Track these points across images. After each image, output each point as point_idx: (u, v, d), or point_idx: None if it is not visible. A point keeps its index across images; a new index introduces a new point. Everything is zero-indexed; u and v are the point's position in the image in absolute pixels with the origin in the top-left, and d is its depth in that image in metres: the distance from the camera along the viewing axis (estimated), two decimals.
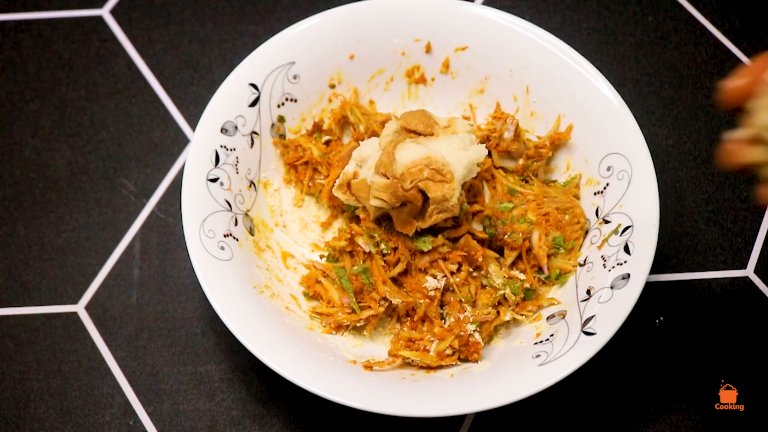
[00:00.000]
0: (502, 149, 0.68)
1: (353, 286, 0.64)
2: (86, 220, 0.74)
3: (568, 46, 0.68)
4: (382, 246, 0.64)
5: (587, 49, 0.78)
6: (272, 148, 0.70)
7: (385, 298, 0.63)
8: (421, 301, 0.63)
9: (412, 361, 0.62)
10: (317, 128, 0.71)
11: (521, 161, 0.68)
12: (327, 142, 0.71)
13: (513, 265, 0.66)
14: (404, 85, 0.72)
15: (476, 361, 0.62)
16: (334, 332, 0.65)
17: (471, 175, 0.63)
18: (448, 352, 0.62)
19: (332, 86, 0.71)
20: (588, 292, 0.62)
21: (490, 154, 0.68)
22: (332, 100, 0.71)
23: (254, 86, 0.68)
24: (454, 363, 0.62)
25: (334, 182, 0.66)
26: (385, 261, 0.64)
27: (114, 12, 0.83)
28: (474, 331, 0.62)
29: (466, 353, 0.62)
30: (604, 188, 0.66)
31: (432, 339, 0.62)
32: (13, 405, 0.67)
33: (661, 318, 0.69)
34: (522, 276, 0.65)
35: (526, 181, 0.68)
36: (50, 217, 0.74)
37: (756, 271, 0.70)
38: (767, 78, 0.49)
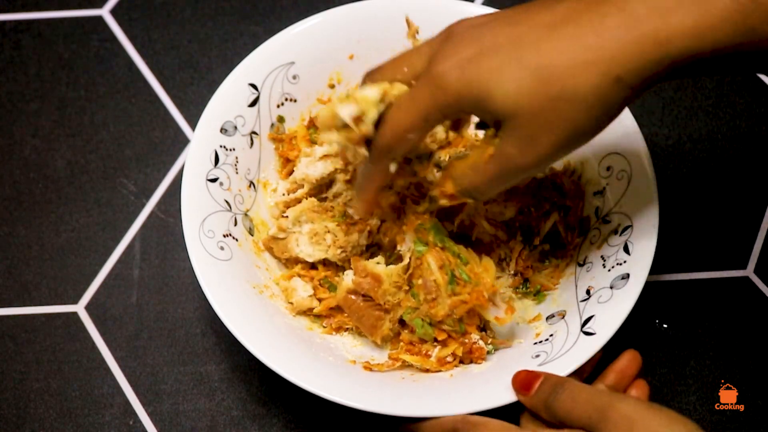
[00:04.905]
0: None
1: None
2: (86, 220, 0.74)
3: None
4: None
5: None
6: (272, 148, 0.70)
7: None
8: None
9: (412, 364, 0.62)
10: (312, 124, 0.71)
11: None
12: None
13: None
14: None
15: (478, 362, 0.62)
16: (334, 332, 0.65)
17: None
18: (450, 359, 0.62)
19: (332, 86, 0.71)
20: (587, 292, 0.62)
21: None
22: (332, 100, 0.71)
23: (254, 86, 0.68)
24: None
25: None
26: None
27: (114, 12, 0.83)
28: (479, 339, 0.62)
29: (469, 359, 0.62)
30: (604, 188, 0.66)
31: (435, 344, 0.62)
32: (13, 405, 0.67)
33: (661, 318, 0.69)
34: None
35: None
36: (50, 217, 0.74)
37: (756, 271, 0.70)
38: None
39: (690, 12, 0.43)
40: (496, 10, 0.69)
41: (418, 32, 0.58)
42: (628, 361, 0.57)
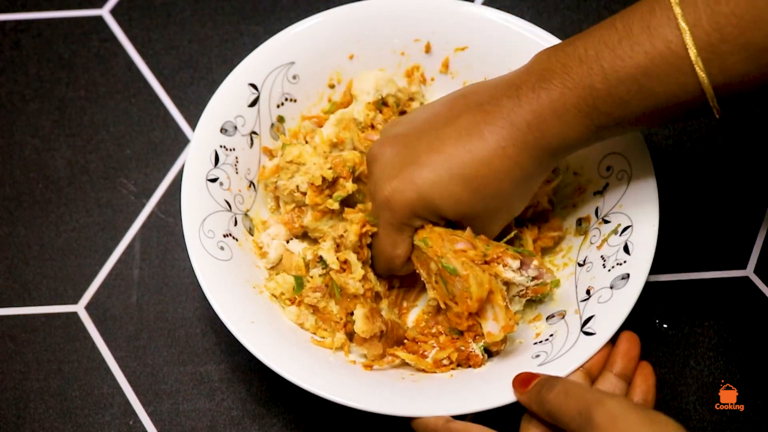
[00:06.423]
0: None
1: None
2: (86, 220, 0.74)
3: None
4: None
5: None
6: None
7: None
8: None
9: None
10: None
11: None
12: None
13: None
14: (404, 85, 0.72)
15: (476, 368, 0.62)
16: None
17: None
18: (446, 362, 0.62)
19: (332, 86, 0.71)
20: (588, 292, 0.62)
21: None
22: (331, 99, 0.71)
23: (254, 86, 0.68)
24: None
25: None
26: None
27: (114, 12, 0.83)
28: (476, 348, 0.62)
29: (467, 364, 0.62)
30: (604, 188, 0.66)
31: (434, 345, 0.62)
32: (13, 405, 0.67)
33: (661, 318, 0.69)
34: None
35: None
36: (50, 217, 0.74)
37: (756, 271, 0.71)
38: None
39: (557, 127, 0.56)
40: (496, 9, 0.69)
41: None
42: (627, 342, 0.58)
